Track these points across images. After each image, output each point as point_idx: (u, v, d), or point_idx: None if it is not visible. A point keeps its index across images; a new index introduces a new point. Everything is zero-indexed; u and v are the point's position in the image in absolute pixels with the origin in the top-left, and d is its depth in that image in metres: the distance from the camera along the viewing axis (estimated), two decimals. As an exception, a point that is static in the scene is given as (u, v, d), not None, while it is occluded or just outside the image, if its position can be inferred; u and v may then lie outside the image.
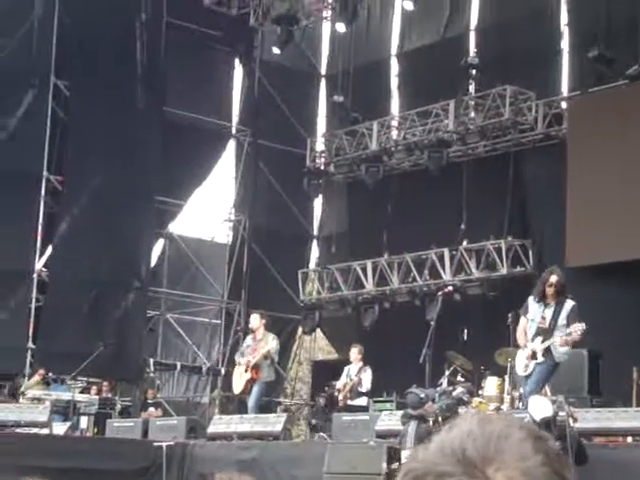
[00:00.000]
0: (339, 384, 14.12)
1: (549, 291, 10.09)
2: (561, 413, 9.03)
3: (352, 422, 12.24)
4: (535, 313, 10.17)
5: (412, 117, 19.42)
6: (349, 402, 13.86)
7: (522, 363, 10.18)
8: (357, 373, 13.95)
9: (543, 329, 10.08)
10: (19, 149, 18.37)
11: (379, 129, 19.86)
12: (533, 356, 10.05)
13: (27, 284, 18.66)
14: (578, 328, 9.83)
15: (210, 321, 21.76)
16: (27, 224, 18.66)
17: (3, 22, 18.78)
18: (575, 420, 9.19)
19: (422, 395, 10.17)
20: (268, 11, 20.10)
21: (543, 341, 10.02)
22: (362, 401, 13.92)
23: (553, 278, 10.14)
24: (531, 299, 10.27)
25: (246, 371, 13.17)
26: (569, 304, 10.09)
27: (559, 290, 10.10)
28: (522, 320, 10.28)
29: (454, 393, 10.51)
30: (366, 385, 13.90)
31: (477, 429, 1.13)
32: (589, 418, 9.85)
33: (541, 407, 9.14)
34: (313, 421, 14.86)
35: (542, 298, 10.14)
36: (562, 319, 10.05)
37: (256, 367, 13.13)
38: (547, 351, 10.01)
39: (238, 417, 13.38)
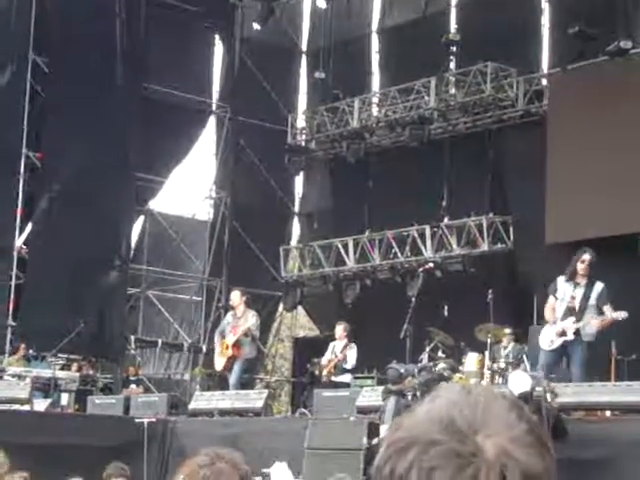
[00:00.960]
0: (324, 360, 14.19)
1: (580, 268, 10.41)
2: (538, 388, 9.17)
3: (333, 398, 12.30)
4: (565, 292, 10.47)
5: (393, 94, 19.40)
6: (333, 378, 13.94)
7: (548, 338, 10.47)
8: (342, 350, 14.02)
9: (572, 308, 10.39)
10: (-2, 125, 18.26)
11: (360, 106, 19.84)
12: (562, 334, 10.33)
13: (7, 261, 18.58)
14: (621, 315, 10.20)
15: (191, 298, 21.75)
16: (6, 201, 18.54)
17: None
18: (556, 395, 9.30)
19: (402, 370, 10.25)
20: (248, -14, 20.01)
21: (576, 321, 10.31)
22: (346, 378, 14.00)
23: (586, 256, 10.49)
24: (560, 279, 10.57)
25: (227, 348, 13.21)
26: (599, 286, 10.43)
27: (590, 269, 10.41)
28: (551, 299, 10.58)
29: (436, 368, 10.59)
30: (351, 362, 13.98)
31: (462, 398, 1.14)
32: (568, 393, 9.93)
33: (520, 382, 9.28)
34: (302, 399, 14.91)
35: (572, 277, 10.45)
36: (592, 300, 10.38)
37: (237, 344, 13.17)
38: (577, 331, 10.32)
39: (219, 393, 13.43)
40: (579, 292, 10.40)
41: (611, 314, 10.23)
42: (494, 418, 1.13)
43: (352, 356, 13.98)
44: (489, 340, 12.52)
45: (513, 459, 1.10)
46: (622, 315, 10.22)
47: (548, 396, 9.16)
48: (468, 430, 1.11)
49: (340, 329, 14.28)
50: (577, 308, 10.35)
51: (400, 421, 1.16)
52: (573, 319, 10.32)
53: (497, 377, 12.16)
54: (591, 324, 10.28)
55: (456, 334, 13.63)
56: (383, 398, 10.14)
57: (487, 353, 12.44)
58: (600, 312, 10.34)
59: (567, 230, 15.80)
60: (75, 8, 18.76)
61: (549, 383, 9.41)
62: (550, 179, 16.58)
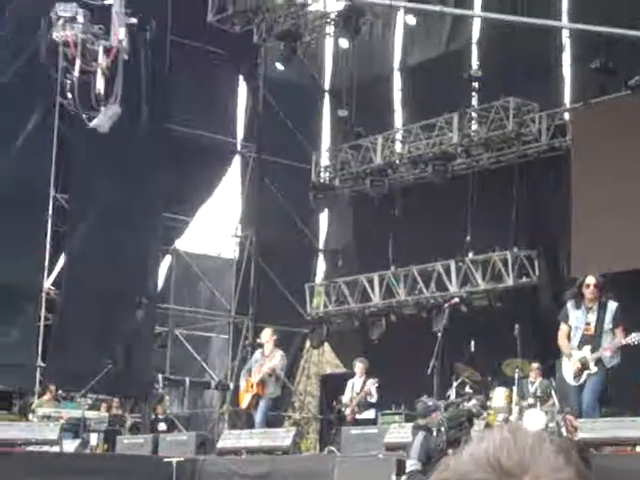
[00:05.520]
0: (345, 398, 14.19)
1: (586, 293, 9.98)
2: (550, 424, 9.08)
3: (361, 435, 12.28)
4: (578, 320, 10.04)
5: (416, 131, 19.50)
6: (357, 416, 13.93)
7: (572, 373, 10.07)
8: (362, 386, 14.04)
9: (589, 336, 9.97)
10: (26, 167, 18.44)
11: (383, 143, 19.94)
12: (584, 367, 9.96)
13: (36, 303, 18.72)
14: (634, 339, 9.74)
15: (218, 336, 21.82)
16: (35, 242, 18.72)
17: (12, 41, 18.89)
18: (575, 429, 9.21)
19: (430, 403, 10.23)
20: (271, 27, 20.23)
21: (592, 350, 9.92)
22: (370, 414, 14.01)
23: (589, 279, 10.04)
24: (570, 305, 10.13)
25: (252, 386, 13.26)
26: (612, 305, 10.00)
27: (598, 291, 9.97)
28: (563, 327, 10.14)
29: (466, 405, 10.54)
30: (375, 396, 13.99)
31: (510, 439, 1.15)
32: (597, 428, 9.88)
33: (535, 419, 9.23)
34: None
35: (580, 302, 10.03)
36: (607, 323, 9.95)
37: (262, 383, 13.21)
38: (598, 360, 9.95)
39: (247, 432, 13.44)
40: (592, 317, 9.97)
41: (621, 339, 9.83)
42: (542, 461, 1.13)
43: (374, 390, 14.02)
44: (516, 375, 12.48)
45: None
46: (635, 339, 9.76)
47: (563, 431, 9.05)
48: (515, 471, 1.11)
49: (360, 367, 14.34)
50: (593, 334, 9.95)
51: (447, 462, 1.17)
52: (589, 347, 9.94)
53: (525, 412, 12.10)
54: (608, 354, 9.93)
55: (482, 369, 13.61)
56: (413, 434, 10.13)
57: (515, 388, 12.41)
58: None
59: (593, 264, 15.74)
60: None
61: (565, 417, 9.26)
62: (575, 213, 16.59)
